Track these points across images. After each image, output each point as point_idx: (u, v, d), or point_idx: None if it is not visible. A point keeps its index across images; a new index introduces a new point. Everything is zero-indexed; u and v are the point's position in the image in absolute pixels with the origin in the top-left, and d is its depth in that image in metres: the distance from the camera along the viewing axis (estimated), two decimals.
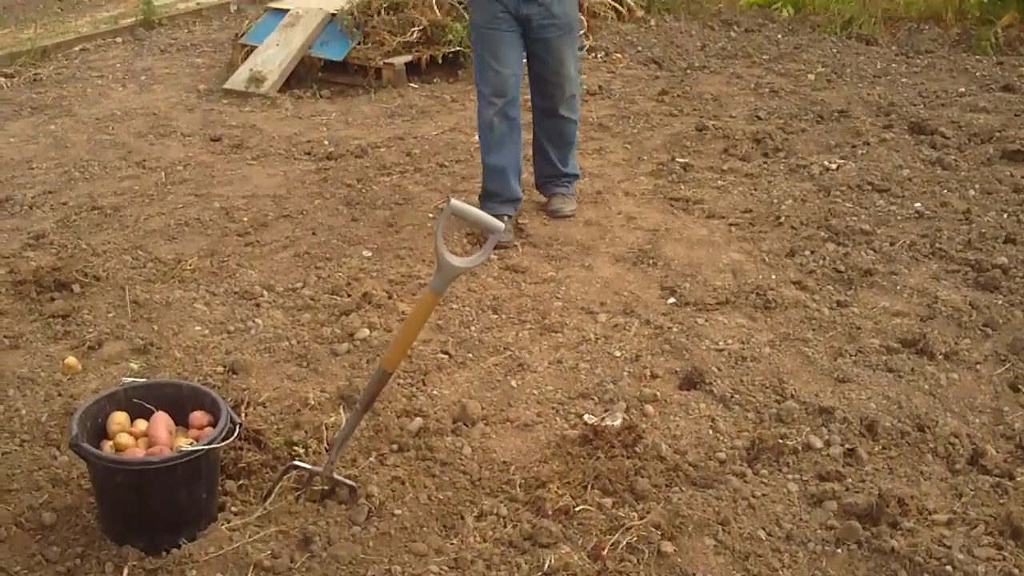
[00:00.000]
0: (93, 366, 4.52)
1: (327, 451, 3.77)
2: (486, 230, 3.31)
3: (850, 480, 3.68)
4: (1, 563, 3.30)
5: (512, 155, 5.84)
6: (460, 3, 8.56)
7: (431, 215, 5.94)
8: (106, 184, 6.57)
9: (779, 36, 9.42)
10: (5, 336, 4.73)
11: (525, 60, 5.81)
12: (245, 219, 5.97)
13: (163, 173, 6.74)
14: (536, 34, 5.62)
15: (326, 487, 3.65)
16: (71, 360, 4.51)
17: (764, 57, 8.86)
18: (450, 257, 3.37)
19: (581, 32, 5.71)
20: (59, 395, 4.28)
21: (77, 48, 10.13)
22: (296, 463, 3.66)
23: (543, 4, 5.53)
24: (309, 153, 7.03)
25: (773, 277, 5.14)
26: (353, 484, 3.61)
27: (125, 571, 3.26)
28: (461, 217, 3.33)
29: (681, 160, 6.64)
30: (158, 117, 7.91)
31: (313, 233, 5.76)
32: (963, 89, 7.85)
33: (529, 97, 6.07)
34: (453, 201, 3.27)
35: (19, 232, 5.87)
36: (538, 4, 5.53)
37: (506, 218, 5.67)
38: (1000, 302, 4.86)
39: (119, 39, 10.46)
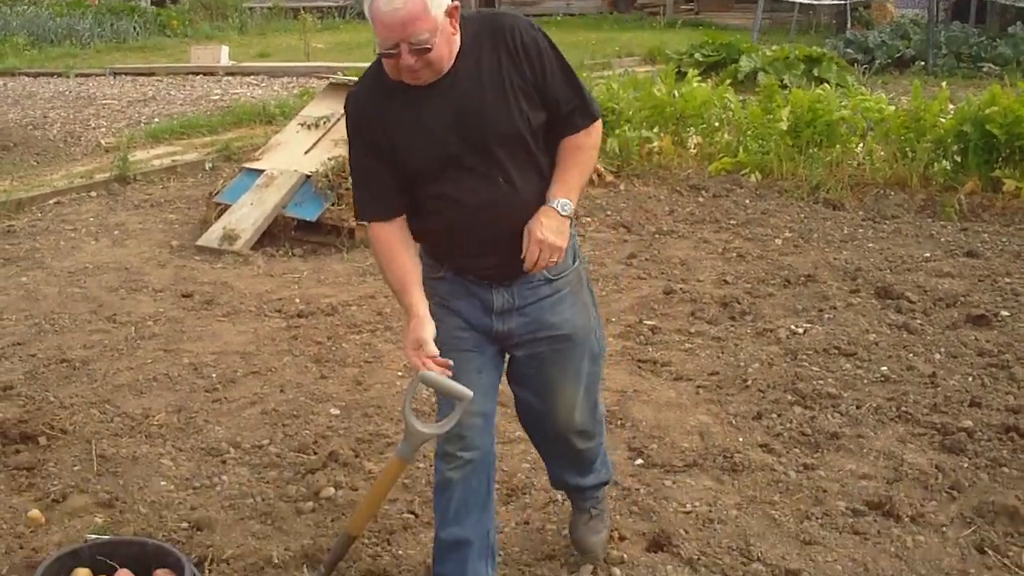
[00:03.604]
0: (57, 519, 4.47)
1: None
2: (455, 398, 3.33)
3: None
4: None
5: (479, 525, 3.75)
6: None
7: (400, 373, 5.94)
8: (76, 337, 6.57)
9: (747, 201, 9.55)
10: None
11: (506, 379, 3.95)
12: (214, 375, 5.97)
13: (133, 328, 6.75)
14: (519, 350, 3.75)
15: None
16: (35, 513, 4.47)
17: (732, 222, 8.98)
18: (418, 423, 3.39)
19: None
20: (21, 548, 4.24)
21: (52, 201, 10.22)
22: None
23: (528, 315, 3.65)
24: (280, 311, 7.06)
25: (740, 440, 5.14)
26: None
27: None
28: (430, 386, 3.35)
29: (649, 322, 6.70)
30: (130, 272, 7.95)
31: (281, 390, 5.76)
32: (928, 254, 7.97)
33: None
34: (422, 371, 3.29)
35: None
36: (519, 314, 3.65)
37: None
38: (966, 465, 4.86)
39: (93, 193, 10.57)
